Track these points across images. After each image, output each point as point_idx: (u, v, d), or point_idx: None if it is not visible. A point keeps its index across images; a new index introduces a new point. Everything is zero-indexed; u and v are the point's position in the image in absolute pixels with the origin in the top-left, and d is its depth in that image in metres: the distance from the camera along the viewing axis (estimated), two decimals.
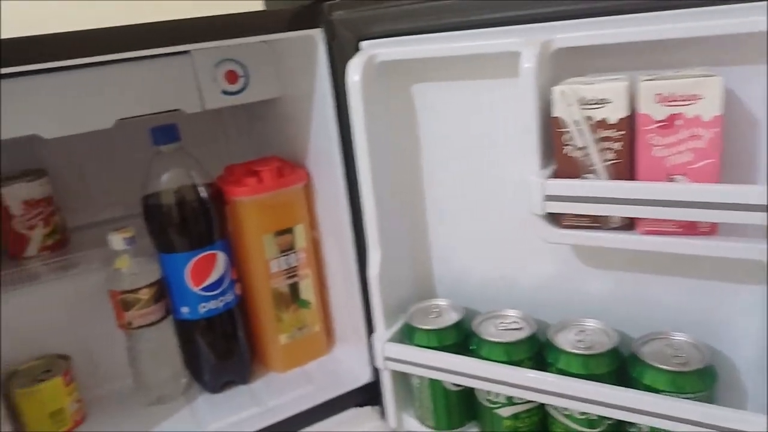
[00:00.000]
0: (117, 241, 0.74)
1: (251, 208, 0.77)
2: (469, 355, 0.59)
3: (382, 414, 0.77)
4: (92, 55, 0.60)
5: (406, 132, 0.64)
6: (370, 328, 0.77)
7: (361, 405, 0.80)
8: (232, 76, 0.79)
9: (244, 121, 1.01)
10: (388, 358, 0.64)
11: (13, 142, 0.86)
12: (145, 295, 0.75)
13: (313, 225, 0.83)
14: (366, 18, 0.59)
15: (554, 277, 0.61)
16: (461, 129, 0.61)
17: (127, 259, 0.75)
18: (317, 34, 0.67)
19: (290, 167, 0.80)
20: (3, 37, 0.56)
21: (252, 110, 0.96)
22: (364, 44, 0.60)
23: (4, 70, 0.57)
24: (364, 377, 0.79)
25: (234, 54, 0.79)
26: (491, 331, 0.59)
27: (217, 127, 0.99)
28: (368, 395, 0.79)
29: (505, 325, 0.59)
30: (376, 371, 0.78)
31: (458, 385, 0.62)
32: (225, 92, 0.79)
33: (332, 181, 0.75)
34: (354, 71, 0.58)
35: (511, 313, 0.61)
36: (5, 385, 0.74)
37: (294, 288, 0.82)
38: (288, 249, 0.81)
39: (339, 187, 0.73)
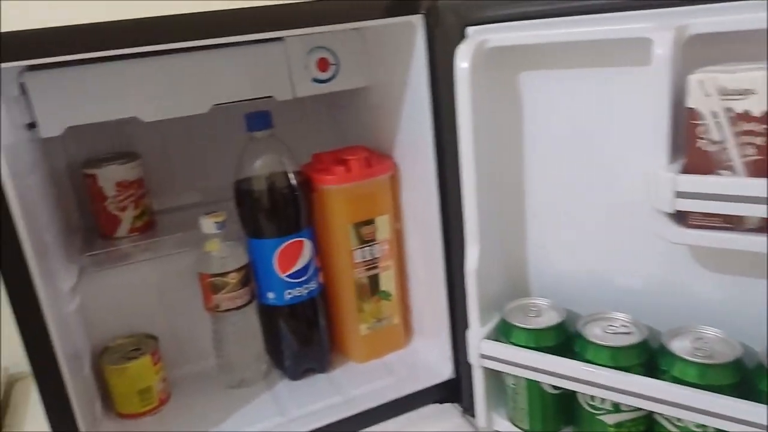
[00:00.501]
0: (208, 224, 0.75)
1: (338, 196, 0.77)
2: (569, 358, 0.56)
3: (463, 412, 0.75)
4: (191, 40, 0.60)
5: (510, 122, 0.62)
6: (453, 323, 0.75)
7: (440, 401, 0.78)
8: (323, 64, 0.78)
9: (324, 109, 1.01)
10: (483, 356, 0.62)
11: (107, 124, 0.89)
12: (233, 279, 0.76)
13: (396, 216, 0.82)
14: (475, 3, 0.57)
15: (664, 280, 0.58)
16: (571, 120, 0.58)
17: (218, 242, 0.76)
18: (417, 21, 0.65)
19: (377, 157, 0.80)
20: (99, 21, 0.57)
21: (332, 99, 0.96)
22: (470, 30, 0.58)
23: (109, 53, 0.57)
24: (445, 373, 0.77)
25: (326, 42, 0.78)
26: (598, 334, 0.56)
27: (297, 115, 0.99)
28: (448, 392, 0.78)
29: (613, 329, 0.57)
30: (457, 367, 0.76)
31: (558, 388, 0.59)
32: (315, 80, 0.79)
33: (421, 172, 0.73)
34: (462, 58, 0.56)
35: (619, 316, 0.58)
36: (96, 360, 0.76)
37: (375, 279, 0.82)
38: (371, 239, 0.80)
39: (429, 179, 0.71)
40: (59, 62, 0.67)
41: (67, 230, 0.83)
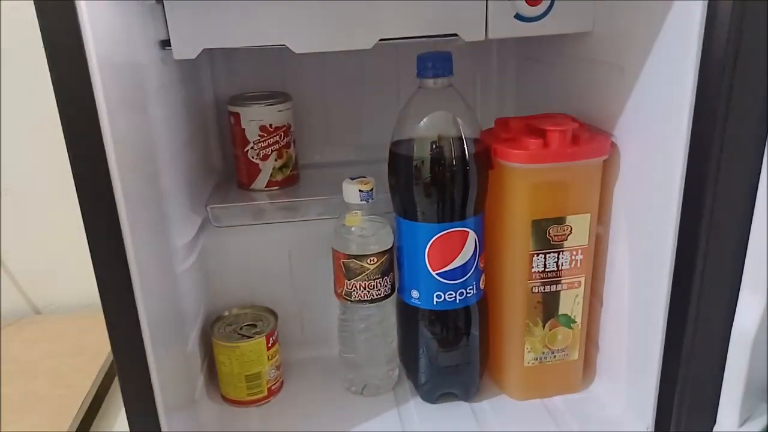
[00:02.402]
0: (352, 192, 0.59)
1: (527, 179, 0.56)
2: None
3: None
4: None
5: None
6: (663, 384, 0.52)
7: None
8: None
9: (509, 60, 0.80)
10: None
11: (261, 58, 0.77)
12: (372, 264, 0.60)
13: (600, 218, 0.60)
14: None
15: None
16: None
17: (360, 216, 0.60)
18: None
19: (588, 132, 0.57)
20: None
21: (527, 47, 0.75)
22: None
23: None
24: None
25: None
26: None
27: (468, 63, 0.79)
28: None
29: None
30: None
31: None
32: (519, 17, 0.58)
33: (659, 162, 0.50)
34: None
35: None
36: (209, 327, 0.66)
37: (555, 297, 0.60)
38: (559, 244, 0.58)
39: (672, 176, 0.48)
40: None
41: (204, 174, 0.73)
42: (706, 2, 0.43)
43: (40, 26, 0.38)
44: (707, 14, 0.43)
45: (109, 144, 0.41)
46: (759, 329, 0.37)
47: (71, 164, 0.41)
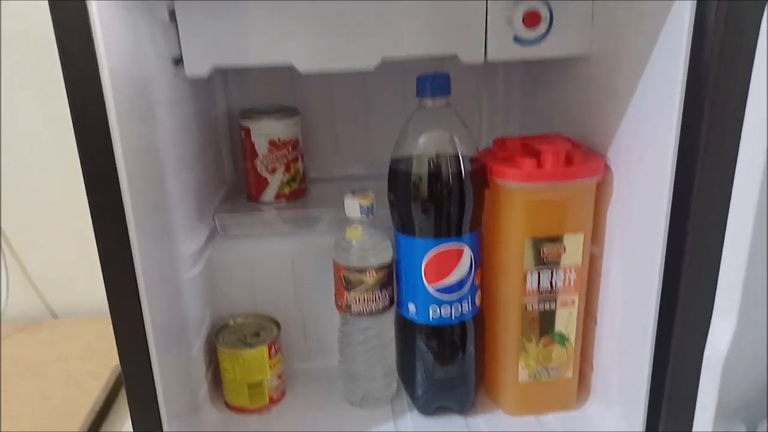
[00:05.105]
0: (352, 206, 0.61)
1: (521, 198, 0.57)
2: None
3: None
4: None
5: None
6: (652, 401, 0.53)
7: None
8: (532, 18, 0.58)
9: (515, 80, 0.81)
10: None
11: (271, 76, 0.79)
12: (371, 277, 0.62)
13: (595, 237, 0.61)
14: None
15: None
16: None
17: (360, 230, 0.62)
18: None
19: (582, 153, 0.58)
20: None
21: (530, 68, 0.76)
22: None
23: None
24: None
25: None
26: None
27: (473, 86, 0.81)
28: None
29: None
30: None
31: None
32: (518, 40, 0.59)
33: (649, 183, 0.51)
34: None
35: None
36: (215, 335, 0.68)
37: (550, 315, 0.61)
38: (554, 263, 0.59)
39: (660, 196, 0.49)
40: None
41: (214, 186, 0.75)
42: (692, 25, 0.44)
43: (55, 35, 0.41)
44: (693, 38, 0.44)
45: (119, 152, 0.43)
46: (729, 351, 0.38)
47: (83, 172, 0.44)
